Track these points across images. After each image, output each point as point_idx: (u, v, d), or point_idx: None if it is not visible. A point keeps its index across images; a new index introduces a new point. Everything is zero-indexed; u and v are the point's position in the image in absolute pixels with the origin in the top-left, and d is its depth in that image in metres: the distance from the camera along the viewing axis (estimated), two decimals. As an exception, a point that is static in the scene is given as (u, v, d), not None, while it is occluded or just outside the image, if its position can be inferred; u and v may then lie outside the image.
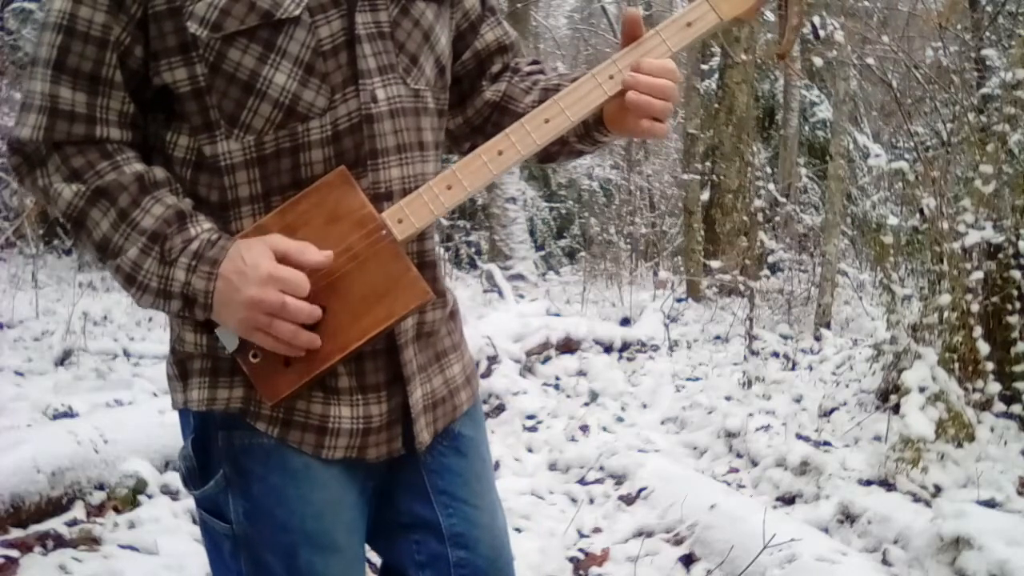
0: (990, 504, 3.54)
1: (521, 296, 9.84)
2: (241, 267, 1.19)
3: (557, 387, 6.20)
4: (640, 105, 1.29)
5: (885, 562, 3.13)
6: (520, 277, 12.32)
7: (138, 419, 3.71)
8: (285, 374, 1.24)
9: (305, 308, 1.21)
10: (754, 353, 6.79)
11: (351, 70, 1.27)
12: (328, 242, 1.23)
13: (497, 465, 4.42)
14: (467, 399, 1.44)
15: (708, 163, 11.40)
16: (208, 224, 1.25)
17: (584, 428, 5.13)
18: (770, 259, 9.06)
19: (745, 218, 10.19)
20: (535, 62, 1.54)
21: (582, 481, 4.30)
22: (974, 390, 4.28)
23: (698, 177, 11.19)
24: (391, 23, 1.31)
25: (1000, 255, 4.45)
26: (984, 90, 5.56)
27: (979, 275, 4.35)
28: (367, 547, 1.42)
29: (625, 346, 7.35)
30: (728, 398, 5.47)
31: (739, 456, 4.48)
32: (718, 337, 8.06)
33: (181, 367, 1.32)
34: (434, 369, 1.38)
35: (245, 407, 1.28)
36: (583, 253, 14.10)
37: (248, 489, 1.30)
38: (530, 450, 4.85)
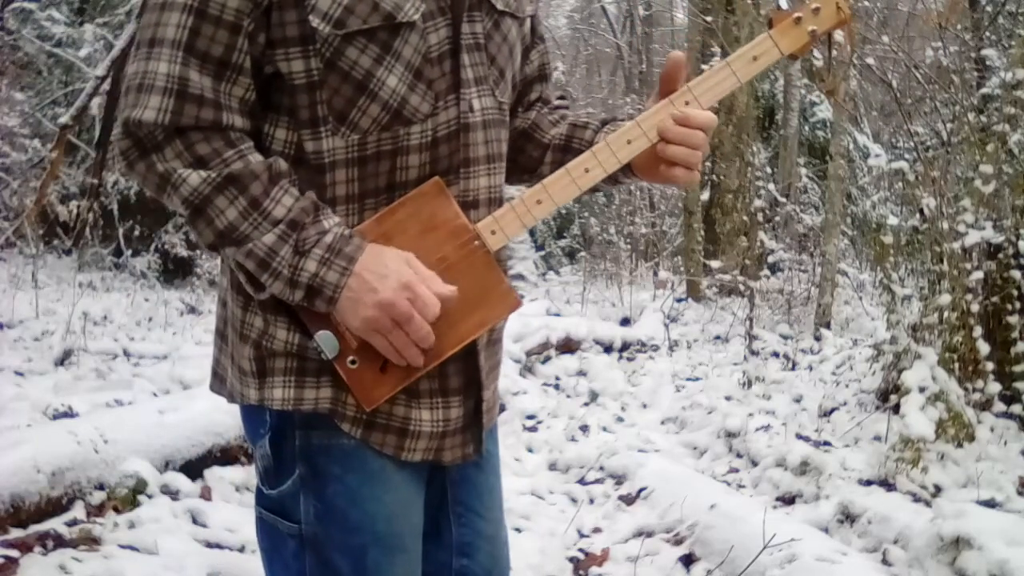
0: (990, 504, 3.54)
1: (521, 296, 9.85)
2: (381, 269, 1.21)
3: (557, 387, 6.20)
4: (677, 156, 1.33)
5: (885, 562, 3.13)
6: (520, 277, 12.33)
7: (138, 419, 3.70)
8: (382, 380, 1.27)
9: (426, 329, 1.23)
10: (754, 353, 6.79)
11: (454, 78, 1.29)
12: (423, 251, 1.26)
13: (497, 465, 4.42)
14: (497, 414, 1.48)
15: (708, 163, 11.39)
16: (337, 218, 1.25)
17: (584, 428, 5.13)
18: (770, 259, 9.06)
19: (745, 218, 10.18)
20: (562, 96, 1.58)
21: (582, 481, 4.29)
22: (974, 390, 4.28)
23: (698, 177, 11.18)
24: (485, 36, 1.34)
25: (1000, 255, 4.45)
26: (984, 90, 5.55)
27: (979, 275, 4.35)
28: None
29: (625, 346, 7.35)
30: (728, 398, 5.47)
31: (739, 456, 4.48)
32: (718, 337, 8.06)
33: (260, 363, 1.29)
34: (491, 377, 1.41)
35: (333, 407, 1.28)
36: (583, 253, 14.09)
37: (323, 489, 1.30)
38: (530, 450, 4.85)
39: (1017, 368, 4.33)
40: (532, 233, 15.54)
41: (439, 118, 1.28)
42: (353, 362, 1.26)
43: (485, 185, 1.33)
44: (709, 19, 10.27)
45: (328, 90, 1.24)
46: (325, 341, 1.25)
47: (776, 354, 6.81)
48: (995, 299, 4.43)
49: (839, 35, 1.43)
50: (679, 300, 9.35)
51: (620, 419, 5.42)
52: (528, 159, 1.51)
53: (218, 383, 1.40)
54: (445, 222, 1.28)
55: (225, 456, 3.77)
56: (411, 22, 1.24)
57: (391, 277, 1.21)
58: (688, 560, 3.29)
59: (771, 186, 9.54)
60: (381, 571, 1.31)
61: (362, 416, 1.29)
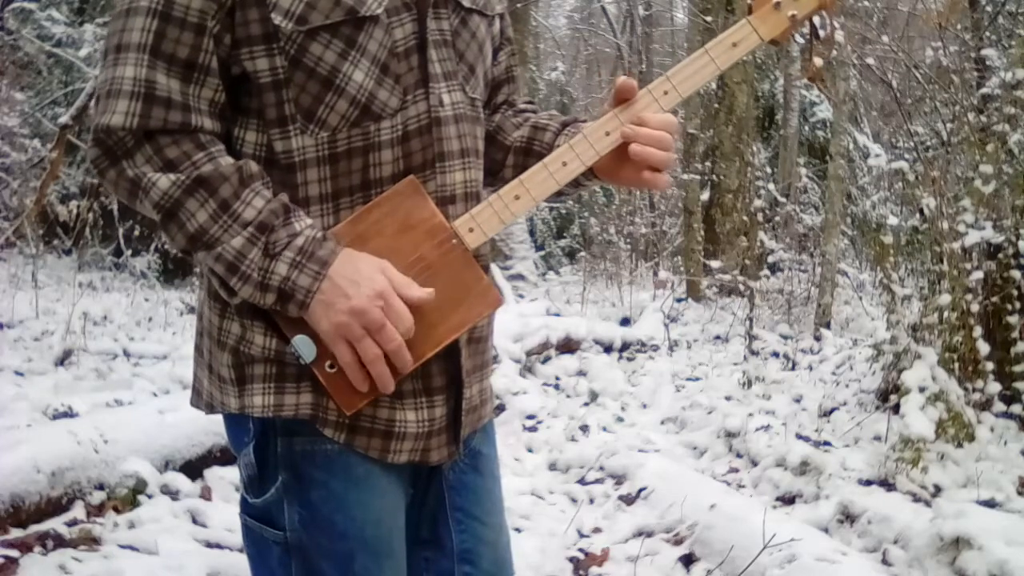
0: (990, 504, 3.54)
1: (521, 296, 9.85)
2: (354, 275, 1.19)
3: (557, 387, 6.20)
4: (644, 156, 1.31)
5: (885, 562, 3.13)
6: (520, 277, 12.31)
7: (138, 419, 3.70)
8: (363, 389, 1.25)
9: (398, 340, 1.20)
10: (754, 353, 6.79)
11: (422, 73, 1.28)
12: (400, 251, 1.25)
13: (497, 465, 4.42)
14: (488, 413, 1.46)
15: (708, 163, 11.40)
16: (309, 220, 1.23)
17: (584, 428, 5.13)
18: (770, 259, 9.06)
19: (745, 218, 10.19)
20: (530, 101, 1.57)
21: (582, 481, 4.29)
22: (974, 390, 4.28)
23: (698, 177, 11.19)
24: (452, 32, 1.33)
25: (1000, 255, 4.45)
26: (984, 90, 5.55)
27: (979, 275, 4.35)
28: None
29: (625, 346, 7.35)
30: (728, 398, 5.47)
31: (739, 456, 4.48)
32: (718, 337, 8.06)
33: (239, 370, 1.27)
34: (475, 376, 1.39)
35: (315, 412, 1.26)
36: (583, 253, 14.09)
37: (307, 496, 1.28)
38: (530, 450, 4.85)
39: (1017, 368, 4.32)
40: (532, 233, 15.54)
41: (409, 112, 1.27)
42: (332, 366, 1.23)
43: (461, 180, 1.32)
44: (709, 19, 10.28)
45: (295, 88, 1.23)
46: (302, 345, 1.22)
47: (776, 354, 6.81)
48: (995, 299, 4.43)
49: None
50: (679, 300, 9.35)
51: (620, 419, 5.42)
52: (491, 162, 1.49)
53: (196, 397, 1.38)
54: (421, 221, 1.26)
55: (225, 456, 3.76)
56: (374, 16, 1.24)
57: (364, 284, 1.19)
58: (688, 560, 3.29)
59: (771, 186, 9.55)
60: None
61: (345, 420, 1.27)
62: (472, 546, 1.43)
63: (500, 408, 5.40)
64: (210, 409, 1.34)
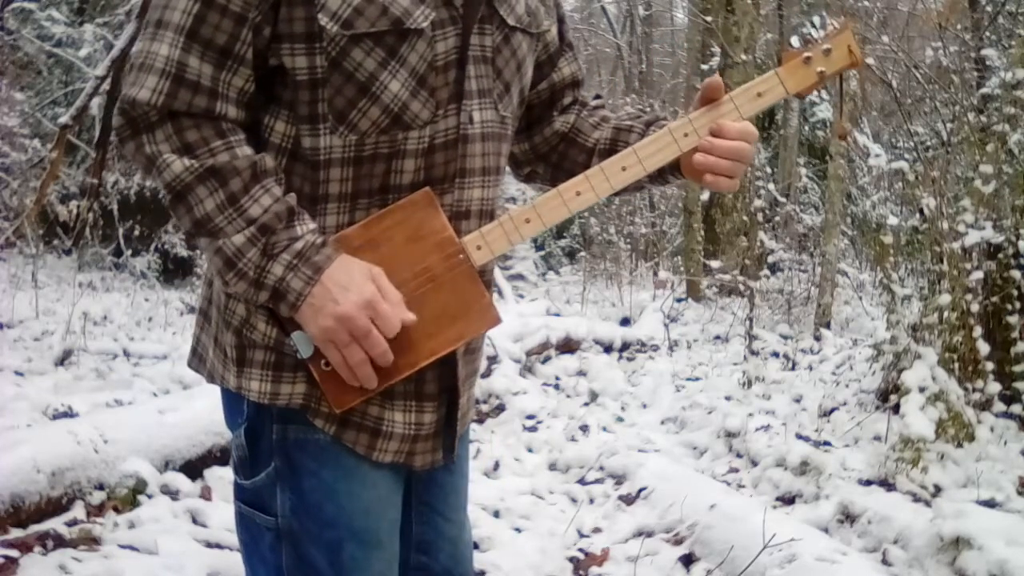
0: (990, 504, 3.54)
1: (521, 296, 9.85)
2: (346, 282, 1.22)
3: (557, 387, 6.20)
4: (706, 166, 1.35)
5: (885, 562, 3.13)
6: (520, 277, 12.33)
7: (138, 419, 3.70)
8: (355, 385, 1.27)
9: (383, 346, 1.23)
10: (754, 353, 6.78)
11: (457, 88, 1.30)
12: (408, 260, 1.27)
13: (497, 465, 4.43)
14: (471, 418, 1.49)
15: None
16: (312, 224, 1.25)
17: (584, 428, 5.13)
18: (770, 259, 9.06)
19: (745, 218, 10.17)
20: (597, 96, 1.60)
21: (582, 481, 4.29)
22: (974, 390, 4.28)
23: (698, 177, 11.17)
24: (493, 49, 1.34)
25: (1000, 255, 4.45)
26: (984, 90, 5.55)
27: (979, 275, 4.35)
28: None
29: (625, 346, 7.35)
30: (728, 398, 5.47)
31: (739, 456, 4.48)
32: (718, 337, 8.06)
33: (241, 352, 1.30)
34: (468, 384, 1.42)
35: (306, 403, 1.29)
36: (583, 253, 14.08)
37: (299, 483, 1.31)
38: (530, 450, 4.85)
39: (1017, 368, 4.33)
40: (532, 233, 15.52)
41: (438, 126, 1.29)
42: (327, 364, 1.26)
43: (478, 197, 1.34)
44: (709, 19, 10.28)
45: (331, 89, 1.24)
46: (300, 341, 1.26)
47: (776, 354, 6.81)
48: (995, 299, 4.43)
49: (853, 82, 1.45)
50: (679, 300, 9.35)
51: (620, 419, 5.42)
52: (572, 163, 1.51)
53: (196, 361, 1.41)
54: (432, 233, 1.28)
55: (225, 456, 3.76)
56: (419, 29, 1.25)
57: (353, 291, 1.21)
58: (688, 560, 3.29)
59: (771, 186, 9.53)
60: (358, 566, 1.32)
61: (335, 414, 1.30)
62: (432, 539, 1.47)
63: (500, 408, 5.40)
64: (211, 379, 1.37)
